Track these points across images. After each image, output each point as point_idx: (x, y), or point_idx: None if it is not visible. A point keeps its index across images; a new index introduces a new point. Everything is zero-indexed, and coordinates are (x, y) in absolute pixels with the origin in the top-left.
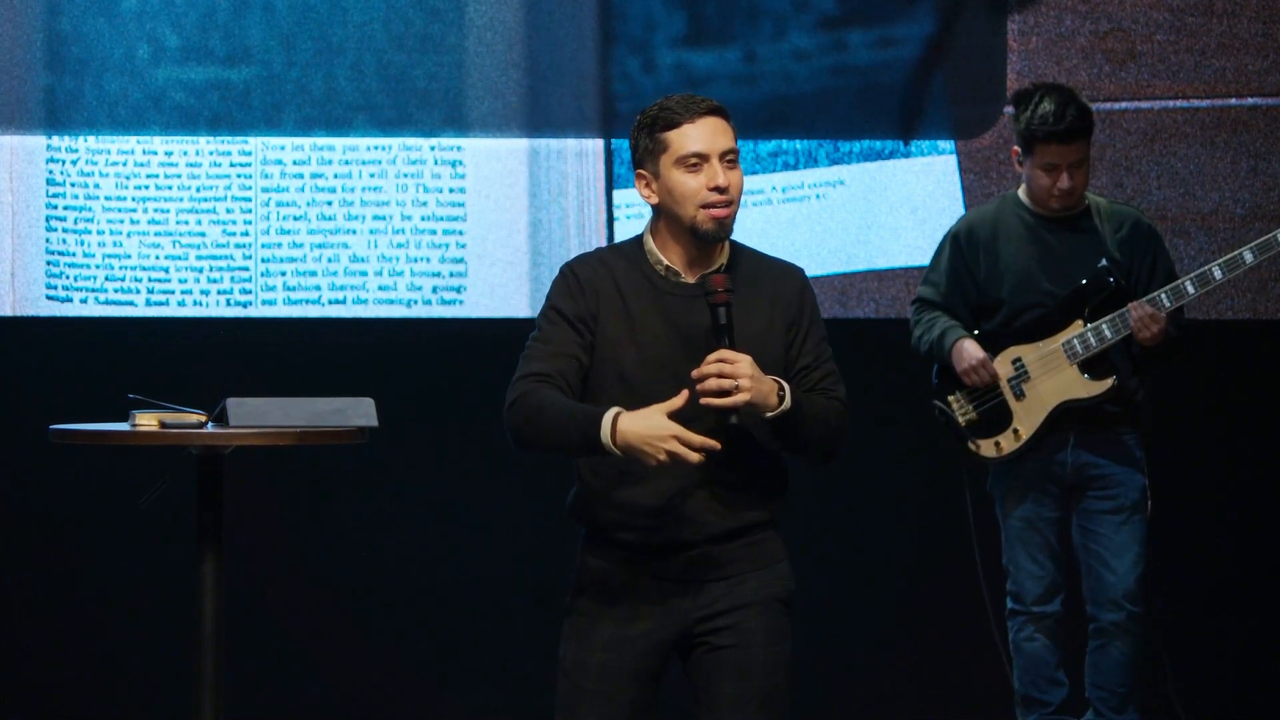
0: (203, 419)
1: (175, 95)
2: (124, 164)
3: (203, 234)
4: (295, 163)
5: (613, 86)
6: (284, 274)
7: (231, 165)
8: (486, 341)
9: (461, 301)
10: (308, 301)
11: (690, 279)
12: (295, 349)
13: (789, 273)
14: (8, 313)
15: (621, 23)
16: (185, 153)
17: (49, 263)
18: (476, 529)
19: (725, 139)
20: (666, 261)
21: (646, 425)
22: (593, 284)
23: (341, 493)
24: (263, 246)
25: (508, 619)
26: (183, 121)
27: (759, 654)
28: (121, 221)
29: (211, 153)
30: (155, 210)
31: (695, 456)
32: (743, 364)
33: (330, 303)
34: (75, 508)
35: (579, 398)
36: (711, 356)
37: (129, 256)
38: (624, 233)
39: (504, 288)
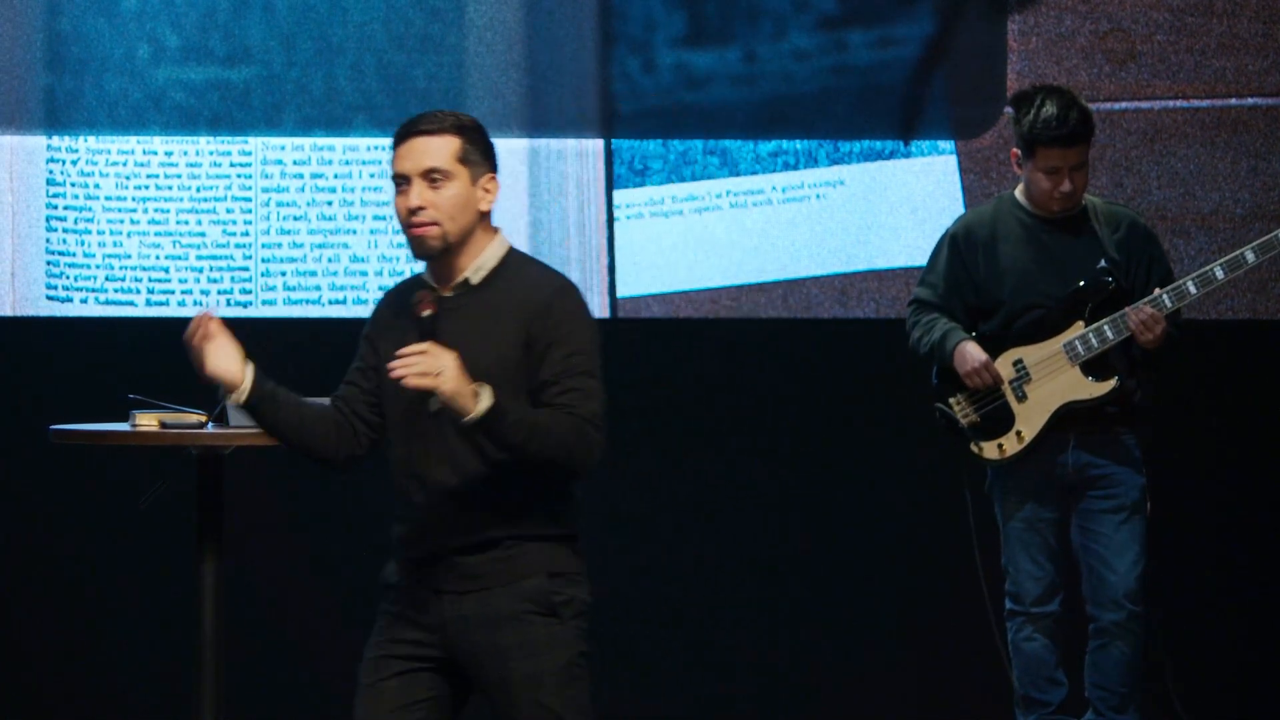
0: (203, 419)
1: (175, 95)
2: (124, 164)
3: (203, 234)
4: (295, 163)
5: (613, 87)
6: (284, 274)
7: (232, 165)
8: None
9: None
10: (308, 302)
11: (445, 291)
12: (295, 349)
13: (543, 285)
14: (8, 313)
15: (621, 23)
16: (185, 153)
17: (49, 263)
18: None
19: (430, 158)
20: (426, 275)
21: None
22: (381, 307)
23: (341, 492)
24: (263, 246)
25: None
26: (183, 121)
27: (516, 670)
28: (121, 221)
29: (211, 153)
30: (155, 210)
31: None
32: (445, 357)
33: (330, 303)
34: (75, 508)
35: (357, 416)
36: (416, 345)
37: (129, 256)
38: (624, 233)
39: None
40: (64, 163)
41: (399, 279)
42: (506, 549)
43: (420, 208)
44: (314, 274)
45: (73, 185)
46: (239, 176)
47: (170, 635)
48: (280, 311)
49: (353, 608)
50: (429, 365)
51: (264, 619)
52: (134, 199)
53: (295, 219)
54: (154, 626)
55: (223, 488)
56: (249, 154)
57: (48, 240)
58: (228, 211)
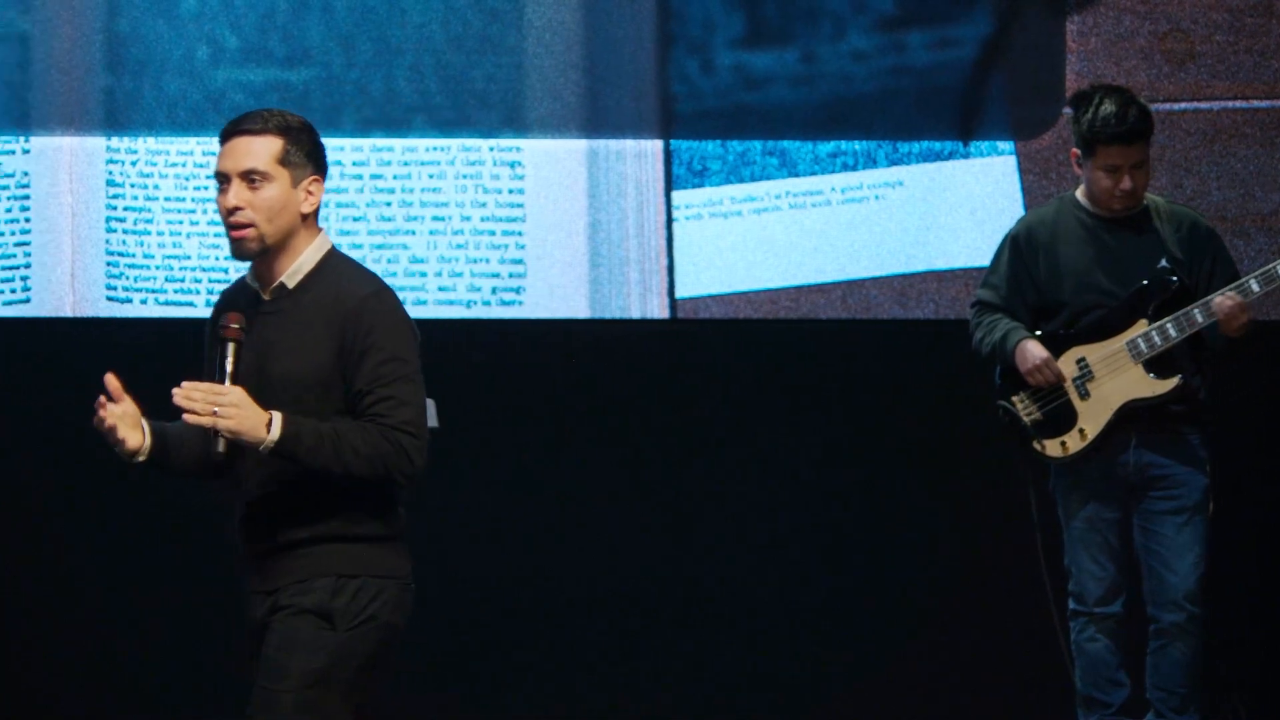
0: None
1: (234, 96)
2: (183, 165)
3: None
4: (354, 164)
5: (671, 87)
6: None
7: None
8: (546, 342)
9: (521, 303)
10: None
11: (266, 295)
12: None
13: (350, 294)
14: (68, 313)
15: (680, 24)
16: None
17: (109, 264)
18: (535, 530)
19: (250, 159)
20: (249, 276)
21: None
22: (215, 311)
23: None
24: None
25: (566, 620)
26: None
27: (268, 655)
28: (181, 222)
29: None
30: (214, 211)
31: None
32: (229, 396)
33: None
34: (137, 509)
35: None
36: (204, 386)
37: (189, 257)
38: (683, 234)
39: (563, 289)
40: (123, 164)
41: (457, 280)
42: (305, 549)
43: (237, 208)
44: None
45: (132, 186)
46: None
47: (233, 635)
48: None
49: (421, 603)
50: (206, 404)
51: None
52: (193, 200)
53: (355, 220)
54: (217, 625)
55: None
56: None
57: (107, 241)
58: None
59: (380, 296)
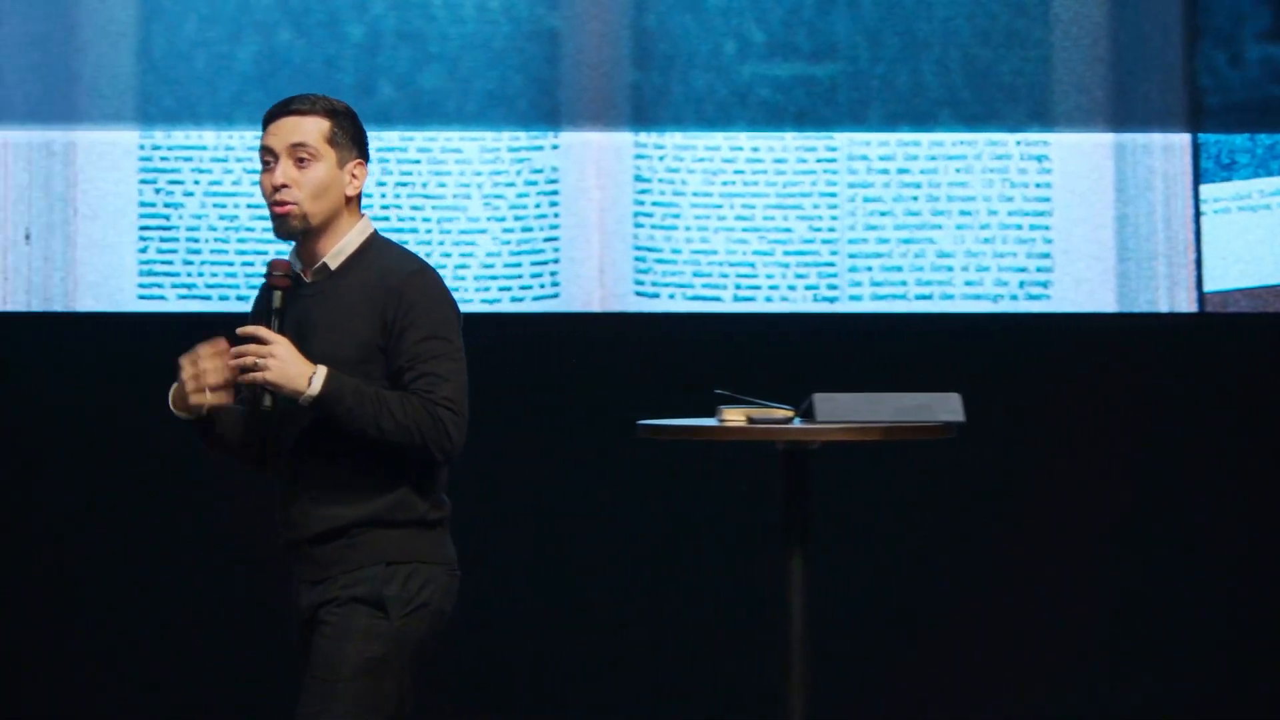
0: (790, 414)
1: (760, 91)
2: (710, 160)
3: (789, 230)
4: (881, 158)
5: (1199, 80)
6: (870, 269)
7: (818, 161)
8: (1073, 337)
9: (1049, 297)
10: (894, 297)
11: (308, 278)
12: (881, 344)
13: (394, 271)
14: (596, 308)
15: (1208, 16)
16: (771, 149)
17: (636, 259)
18: (1063, 527)
19: (300, 133)
20: (292, 258)
21: None
22: (260, 294)
23: (928, 489)
24: (849, 242)
25: (1086, 615)
26: (768, 117)
27: (322, 645)
28: (708, 217)
29: (797, 148)
30: (741, 206)
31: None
32: (275, 345)
33: (917, 298)
34: (659, 500)
35: None
36: (246, 330)
37: (715, 252)
38: (1211, 228)
39: (1090, 283)
40: (651, 159)
41: (984, 274)
42: (352, 537)
43: (283, 185)
44: (899, 269)
45: (660, 181)
46: (825, 172)
47: (761, 636)
48: (866, 307)
49: (941, 606)
50: (248, 359)
51: (850, 616)
52: (720, 195)
53: (881, 214)
54: (743, 624)
55: (810, 484)
56: (835, 149)
57: (635, 236)
58: (814, 207)
59: (423, 274)
